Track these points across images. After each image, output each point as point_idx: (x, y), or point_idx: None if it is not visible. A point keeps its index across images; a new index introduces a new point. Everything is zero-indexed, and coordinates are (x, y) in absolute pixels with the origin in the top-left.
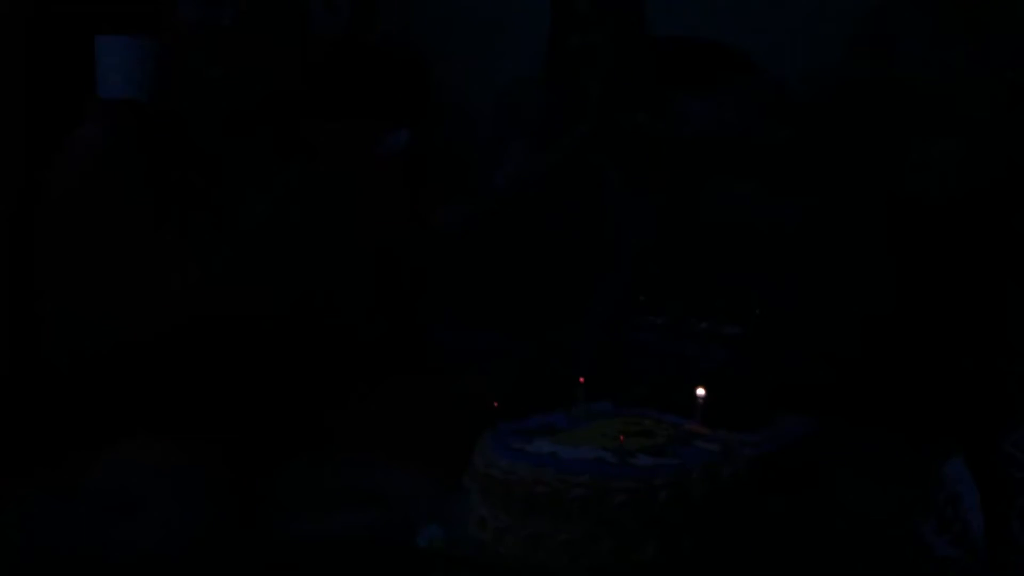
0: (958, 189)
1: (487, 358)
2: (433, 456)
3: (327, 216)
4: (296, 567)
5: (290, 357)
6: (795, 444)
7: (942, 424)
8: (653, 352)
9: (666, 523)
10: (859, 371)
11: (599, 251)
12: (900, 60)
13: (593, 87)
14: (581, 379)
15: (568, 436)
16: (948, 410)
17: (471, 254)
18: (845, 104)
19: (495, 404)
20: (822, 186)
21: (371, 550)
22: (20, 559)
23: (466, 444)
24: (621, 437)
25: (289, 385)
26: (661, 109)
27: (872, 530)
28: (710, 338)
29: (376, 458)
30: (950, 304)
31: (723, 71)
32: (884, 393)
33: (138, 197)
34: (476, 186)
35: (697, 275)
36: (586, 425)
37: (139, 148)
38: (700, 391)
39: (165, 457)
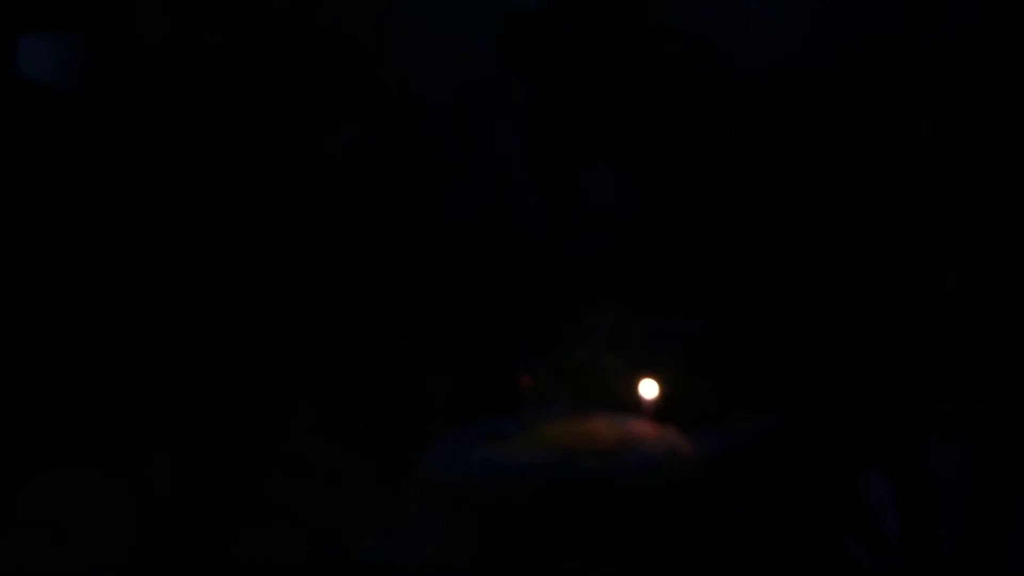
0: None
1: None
2: (379, 460)
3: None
4: None
5: (237, 354)
6: (753, 443)
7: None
8: (605, 349)
9: (614, 528)
10: (817, 364)
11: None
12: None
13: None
14: (525, 379)
15: (514, 441)
16: (876, 414)
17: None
18: (813, 96)
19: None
20: (790, 177)
21: (316, 568)
22: None
23: (412, 446)
24: (568, 441)
25: (237, 384)
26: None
27: (818, 539)
28: (664, 336)
29: (321, 468)
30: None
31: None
32: (837, 388)
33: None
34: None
35: (657, 269)
36: (533, 429)
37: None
38: (647, 392)
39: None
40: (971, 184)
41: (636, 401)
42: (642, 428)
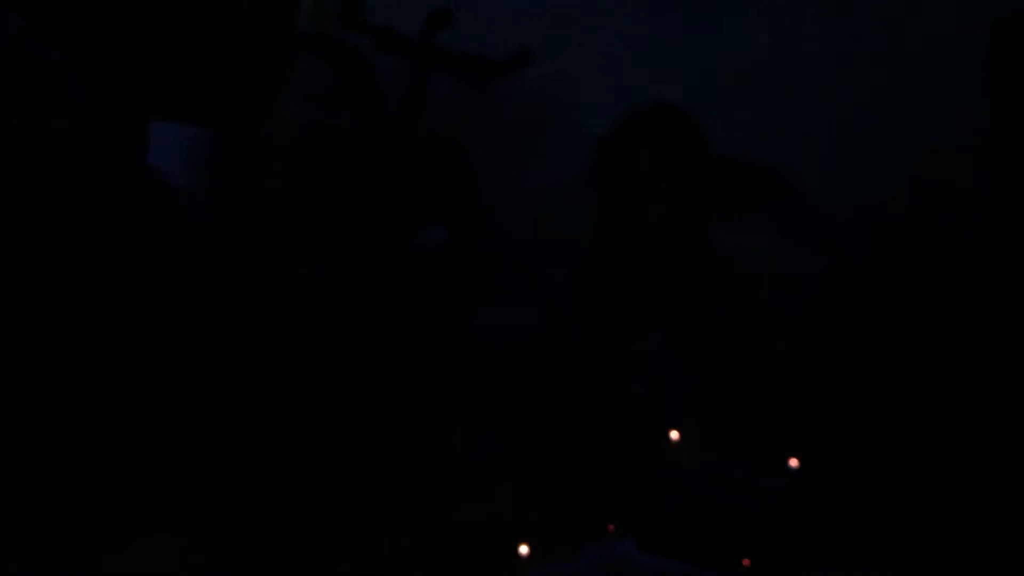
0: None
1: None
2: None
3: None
4: None
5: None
6: None
7: None
8: (682, 493)
9: None
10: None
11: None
12: (946, 206)
13: (652, 209)
14: (611, 527)
15: None
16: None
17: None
18: (885, 244)
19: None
20: (860, 319)
21: None
22: None
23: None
24: None
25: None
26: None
27: None
28: (746, 487)
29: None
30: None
31: (768, 196)
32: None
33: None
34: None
35: (732, 414)
36: None
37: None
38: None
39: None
40: None
41: (719, 553)
42: None
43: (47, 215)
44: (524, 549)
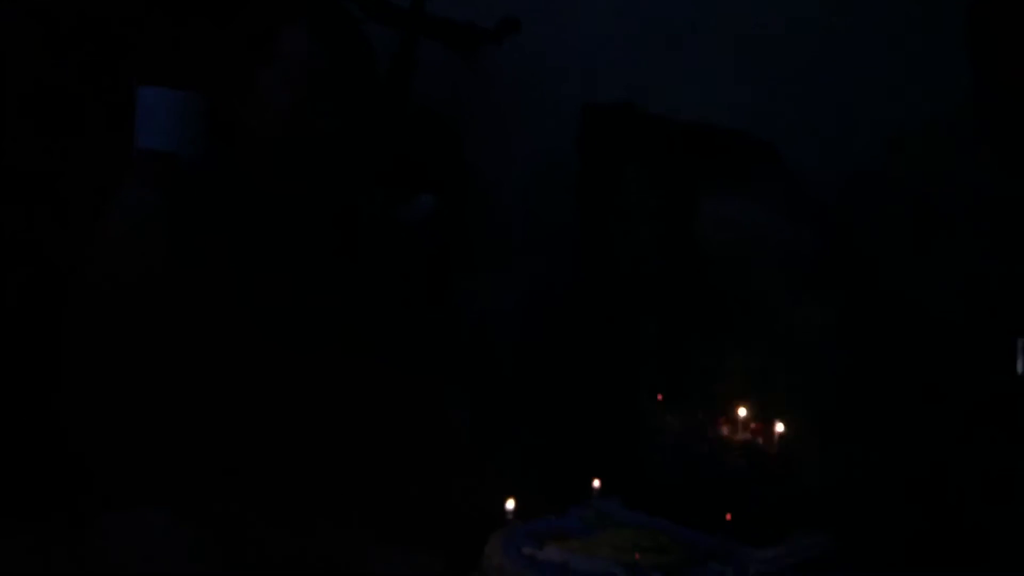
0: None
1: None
2: (441, 542)
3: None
4: None
5: (314, 418)
6: (810, 565)
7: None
8: (669, 455)
9: None
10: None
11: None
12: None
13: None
14: (597, 481)
15: (580, 544)
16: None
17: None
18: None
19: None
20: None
21: None
22: None
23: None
24: (636, 555)
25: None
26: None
27: None
28: (729, 445)
29: (377, 539)
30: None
31: (752, 165)
32: (907, 528)
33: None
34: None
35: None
36: (599, 533)
37: (181, 204)
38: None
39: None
40: None
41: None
42: (707, 541)
43: None
44: (510, 504)
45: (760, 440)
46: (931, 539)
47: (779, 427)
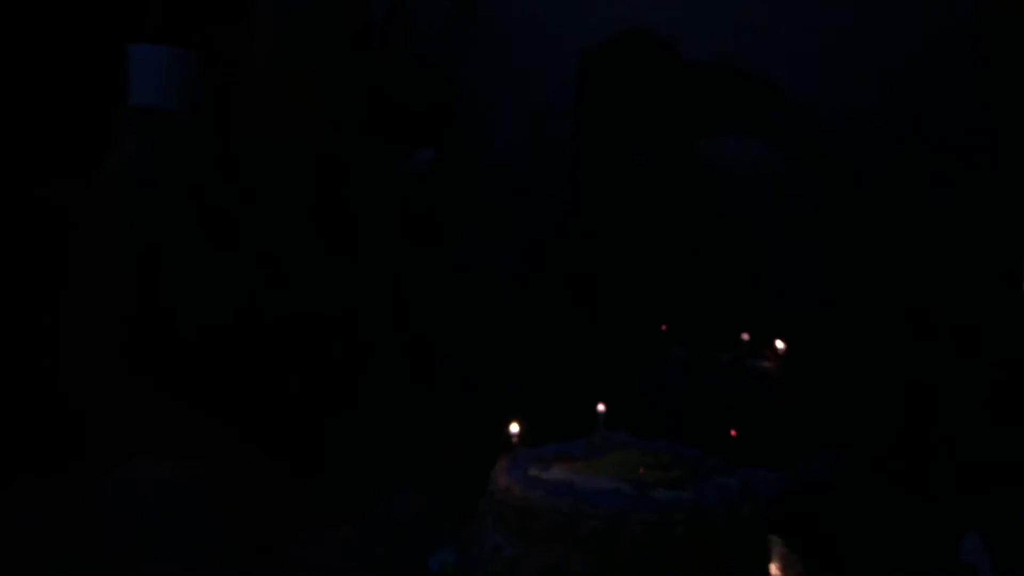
0: None
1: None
2: (447, 477)
3: (349, 231)
4: None
5: (311, 366)
6: (816, 485)
7: (961, 489)
8: (675, 382)
9: (682, 558)
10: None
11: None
12: (932, 112)
13: (634, 119)
14: (601, 406)
15: (586, 465)
16: (965, 474)
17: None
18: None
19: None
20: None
21: (381, 574)
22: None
23: (481, 466)
24: (641, 470)
25: (306, 393)
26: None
27: None
28: (735, 371)
29: (386, 477)
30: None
31: (756, 105)
32: (912, 447)
33: (177, 208)
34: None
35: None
36: (604, 455)
37: (176, 159)
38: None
39: (173, 475)
40: None
41: (709, 434)
42: (711, 461)
43: None
44: (515, 427)
45: (764, 364)
46: (930, 460)
47: (780, 345)
